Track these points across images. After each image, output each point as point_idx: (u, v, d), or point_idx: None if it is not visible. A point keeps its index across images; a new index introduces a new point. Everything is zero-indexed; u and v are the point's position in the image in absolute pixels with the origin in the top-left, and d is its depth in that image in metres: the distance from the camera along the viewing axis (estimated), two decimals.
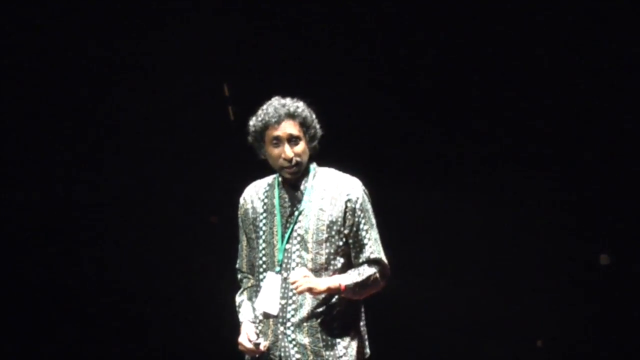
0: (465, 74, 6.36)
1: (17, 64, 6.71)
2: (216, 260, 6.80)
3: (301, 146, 4.11)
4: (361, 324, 4.22)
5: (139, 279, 6.84)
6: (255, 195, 4.26)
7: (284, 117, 4.10)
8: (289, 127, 4.10)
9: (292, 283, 4.00)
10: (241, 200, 4.30)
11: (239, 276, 4.35)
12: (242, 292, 4.31)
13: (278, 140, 4.11)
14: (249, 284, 4.30)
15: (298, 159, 4.11)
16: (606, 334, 6.32)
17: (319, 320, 4.10)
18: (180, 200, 6.82)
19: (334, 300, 4.11)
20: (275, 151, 4.13)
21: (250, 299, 4.26)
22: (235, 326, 4.26)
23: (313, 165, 4.21)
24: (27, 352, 6.88)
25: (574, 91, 6.26)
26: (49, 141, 6.79)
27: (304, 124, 4.12)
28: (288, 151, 4.10)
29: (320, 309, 4.10)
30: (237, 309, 4.29)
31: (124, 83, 6.71)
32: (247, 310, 4.24)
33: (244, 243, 4.29)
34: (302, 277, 4.00)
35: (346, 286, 4.06)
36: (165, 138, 6.78)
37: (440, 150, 6.47)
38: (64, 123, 6.77)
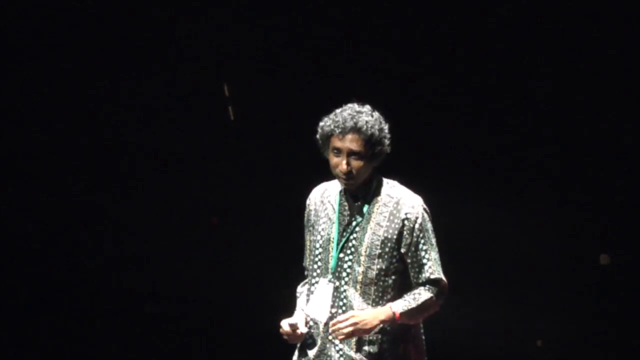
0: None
1: (16, 60, 6.72)
2: (217, 260, 6.81)
3: (360, 162, 4.00)
4: (417, 339, 4.14)
5: (139, 278, 6.85)
6: (319, 198, 4.19)
7: (348, 130, 3.98)
8: (351, 142, 3.99)
9: (333, 328, 3.94)
10: (307, 201, 4.24)
11: (305, 273, 4.29)
12: (304, 284, 4.26)
13: (338, 151, 4.01)
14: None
15: (354, 174, 4.01)
16: (606, 334, 6.32)
17: (366, 335, 4.02)
18: (180, 200, 6.81)
19: None
20: (334, 160, 4.03)
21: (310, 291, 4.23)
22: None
23: (377, 177, 4.12)
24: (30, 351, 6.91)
25: (575, 91, 6.27)
26: (48, 141, 6.79)
27: (369, 142, 3.98)
28: (344, 165, 4.00)
29: None
30: (297, 297, 4.25)
31: (124, 82, 6.71)
32: (303, 299, 4.20)
33: (307, 243, 4.23)
34: (347, 322, 3.92)
35: (401, 314, 3.97)
36: (166, 137, 6.78)
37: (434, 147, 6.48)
38: (63, 124, 6.77)
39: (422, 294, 4.02)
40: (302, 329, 4.09)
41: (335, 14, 6.46)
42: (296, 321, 4.09)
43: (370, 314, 3.97)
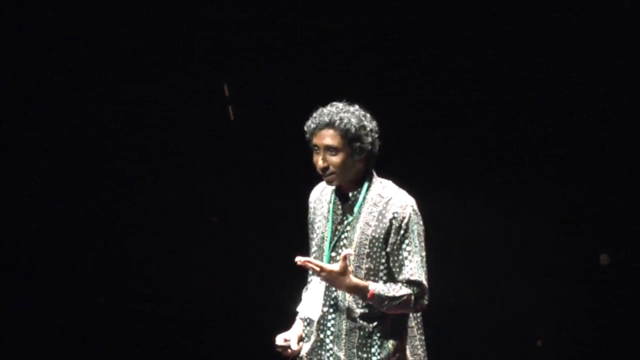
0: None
1: (17, 61, 6.72)
2: (216, 260, 6.81)
3: (338, 158, 4.01)
4: (413, 340, 4.16)
5: (139, 278, 6.85)
6: (319, 196, 4.21)
7: (323, 126, 4.00)
8: (327, 137, 4.00)
9: (321, 271, 3.93)
10: (309, 199, 4.26)
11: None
12: (306, 288, 4.26)
13: (317, 148, 4.03)
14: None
15: (333, 169, 4.02)
16: (606, 334, 6.31)
17: (357, 336, 4.04)
18: (180, 199, 6.81)
19: (378, 317, 4.05)
20: (314, 157, 4.06)
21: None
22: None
23: (369, 176, 4.11)
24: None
25: (575, 90, 6.26)
26: (49, 141, 6.79)
27: (344, 137, 3.99)
28: (320, 161, 4.02)
29: (361, 324, 4.04)
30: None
31: (124, 83, 6.72)
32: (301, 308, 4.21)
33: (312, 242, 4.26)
34: (326, 267, 3.92)
35: (374, 294, 3.97)
36: (166, 137, 6.78)
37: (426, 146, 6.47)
38: (63, 124, 6.77)
39: (402, 289, 4.00)
40: (294, 347, 4.09)
41: (335, 13, 6.46)
42: (290, 337, 4.10)
43: (348, 276, 3.96)
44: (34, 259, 6.88)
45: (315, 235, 4.15)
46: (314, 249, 4.14)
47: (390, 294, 3.99)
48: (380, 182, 4.13)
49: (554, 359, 6.43)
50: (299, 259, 3.95)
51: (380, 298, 3.98)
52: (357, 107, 4.08)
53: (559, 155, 6.33)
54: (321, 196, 4.20)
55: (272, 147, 6.63)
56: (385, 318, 4.05)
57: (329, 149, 4.01)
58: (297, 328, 4.16)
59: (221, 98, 6.72)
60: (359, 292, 3.98)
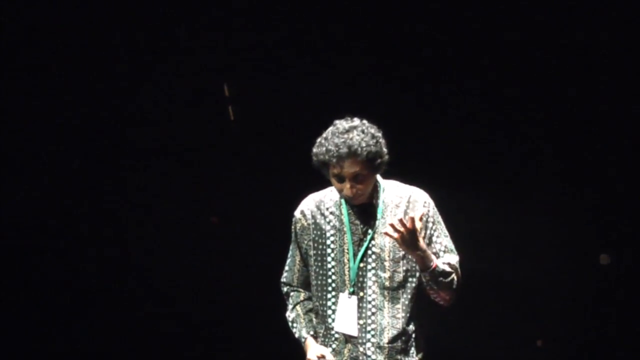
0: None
1: (17, 60, 6.73)
2: (217, 260, 6.82)
3: (364, 181, 3.93)
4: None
5: (139, 279, 6.85)
6: (317, 211, 4.11)
7: (344, 157, 3.86)
8: (350, 167, 3.89)
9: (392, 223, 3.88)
10: (297, 215, 4.13)
11: (286, 289, 4.23)
12: (293, 309, 4.20)
13: (340, 178, 3.92)
14: (301, 298, 4.20)
15: (360, 192, 3.95)
16: (606, 334, 6.32)
17: (398, 342, 4.04)
18: (180, 200, 6.82)
19: (413, 318, 4.07)
20: (338, 185, 3.96)
21: (306, 313, 4.17)
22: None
23: (380, 181, 4.07)
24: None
25: (576, 90, 6.27)
26: (49, 141, 6.80)
27: (366, 160, 3.88)
28: (349, 190, 3.92)
29: (400, 331, 4.05)
30: (290, 325, 4.18)
31: (124, 83, 6.72)
32: (307, 325, 4.16)
33: (297, 258, 4.16)
34: (403, 229, 3.87)
35: (437, 266, 3.99)
36: (166, 137, 6.79)
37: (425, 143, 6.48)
38: (64, 124, 6.77)
39: (455, 272, 4.05)
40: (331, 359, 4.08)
41: (335, 13, 6.47)
42: (322, 352, 4.06)
43: (422, 243, 3.93)
44: (34, 259, 6.88)
45: (330, 250, 4.06)
46: (330, 264, 4.05)
47: (445, 270, 4.02)
48: (391, 184, 4.11)
49: (554, 359, 6.43)
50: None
51: (438, 272, 3.99)
52: (358, 120, 3.97)
53: (560, 155, 6.34)
54: (321, 210, 4.12)
55: (272, 147, 6.64)
56: (417, 324, 4.09)
57: (355, 176, 3.91)
58: (316, 345, 4.12)
59: (221, 98, 6.73)
60: (426, 257, 3.96)
